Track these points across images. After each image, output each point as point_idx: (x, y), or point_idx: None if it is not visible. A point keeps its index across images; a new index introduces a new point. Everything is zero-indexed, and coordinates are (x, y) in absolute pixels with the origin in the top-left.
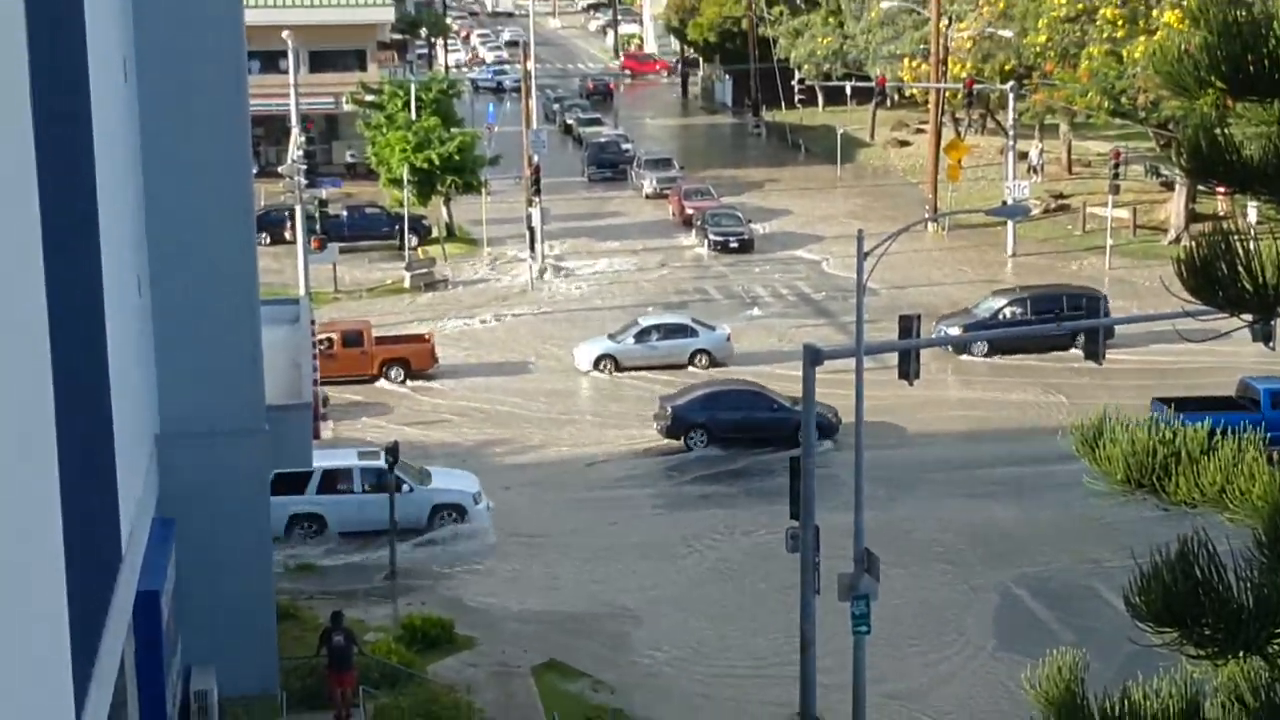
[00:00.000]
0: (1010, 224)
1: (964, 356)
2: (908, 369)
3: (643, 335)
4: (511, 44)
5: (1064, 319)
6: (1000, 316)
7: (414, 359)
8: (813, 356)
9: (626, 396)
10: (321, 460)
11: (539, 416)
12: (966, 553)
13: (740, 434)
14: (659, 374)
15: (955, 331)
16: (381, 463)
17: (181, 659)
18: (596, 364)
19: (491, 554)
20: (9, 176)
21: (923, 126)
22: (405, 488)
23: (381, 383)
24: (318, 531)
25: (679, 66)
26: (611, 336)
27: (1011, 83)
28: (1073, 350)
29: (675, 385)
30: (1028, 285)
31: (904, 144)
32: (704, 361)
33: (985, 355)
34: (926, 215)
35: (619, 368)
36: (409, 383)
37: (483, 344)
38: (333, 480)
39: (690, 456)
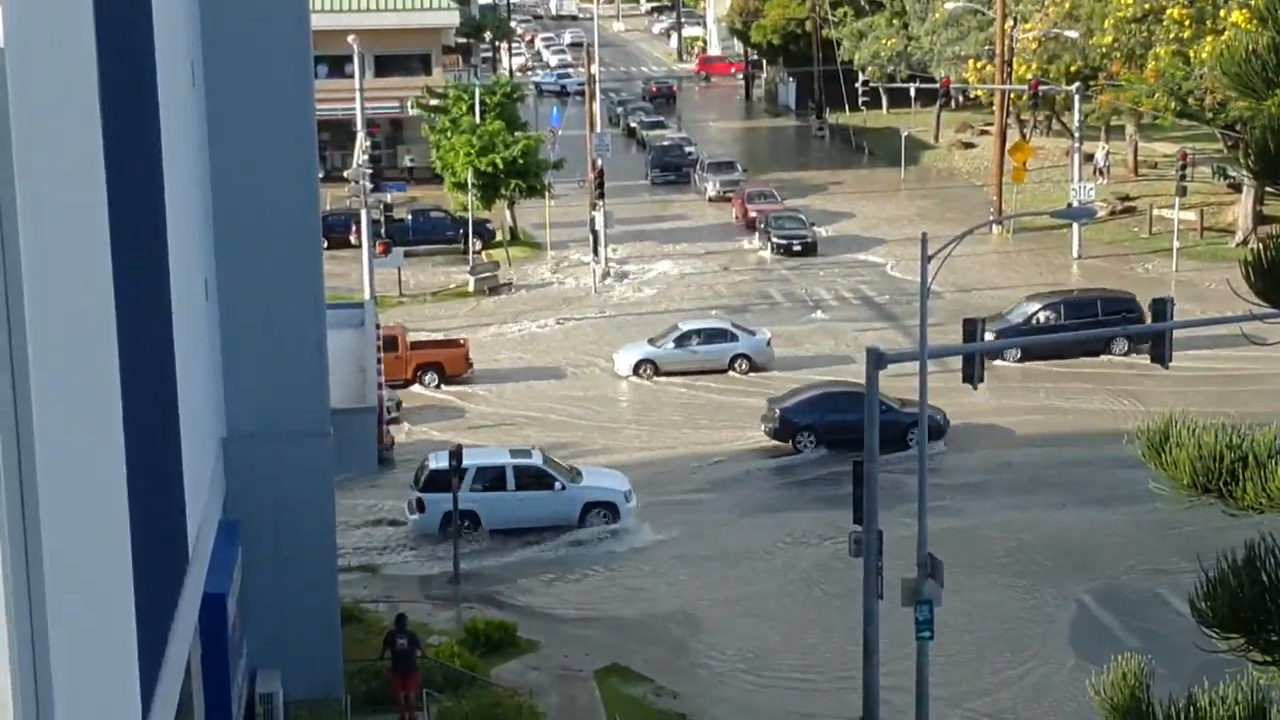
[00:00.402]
0: (1076, 227)
1: (996, 362)
2: (972, 372)
3: (683, 340)
4: (575, 45)
5: (1097, 324)
6: (1033, 321)
7: (448, 364)
8: (876, 360)
9: (672, 403)
10: (474, 458)
11: (592, 423)
12: (1035, 559)
13: (849, 436)
14: (699, 380)
15: (989, 337)
16: (536, 460)
17: (247, 661)
18: (636, 369)
19: (643, 555)
20: (79, 179)
21: (987, 128)
22: (557, 485)
23: (416, 388)
24: (471, 528)
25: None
26: (652, 341)
27: (1077, 84)
28: (1120, 356)
29: (720, 390)
30: (1060, 289)
31: (968, 146)
32: (744, 367)
33: (1018, 360)
34: (991, 218)
35: (659, 372)
36: (443, 388)
37: (543, 348)
38: (486, 477)
39: (798, 458)
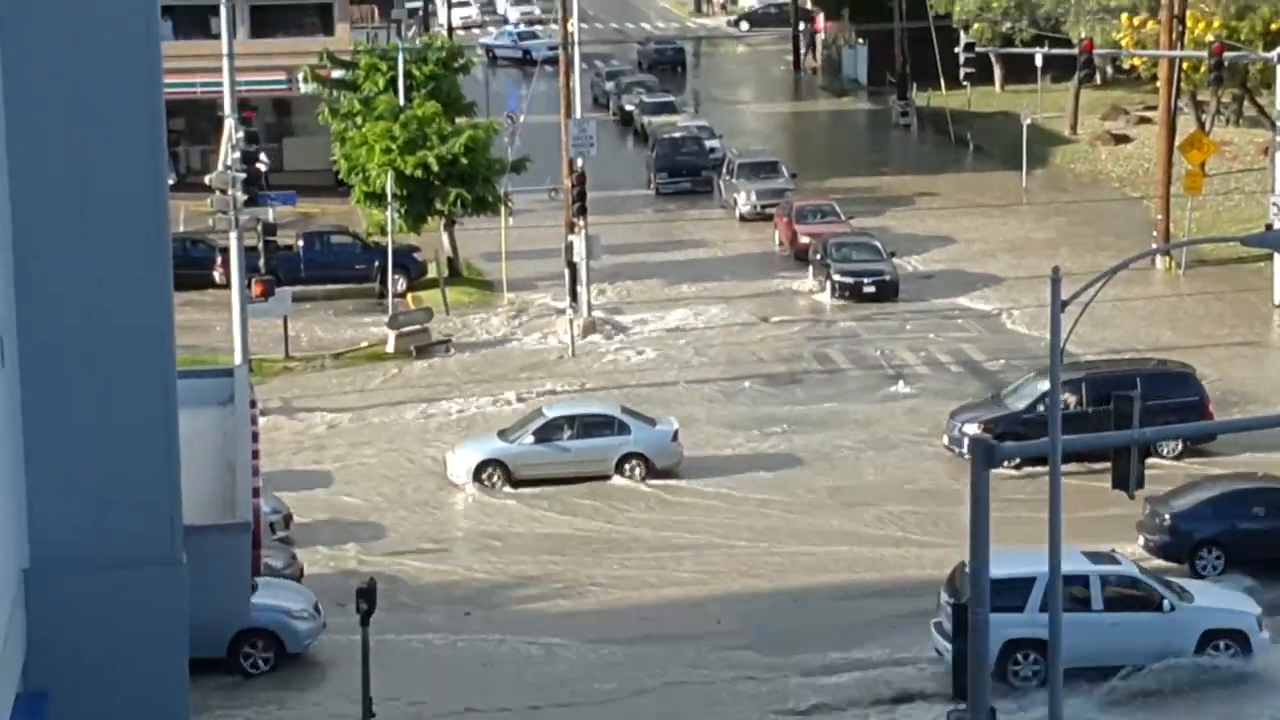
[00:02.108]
0: (1278, 259)
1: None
2: (1125, 473)
3: (548, 431)
4: None
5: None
6: (1041, 409)
7: None
8: (986, 455)
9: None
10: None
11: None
12: None
13: (1275, 553)
14: (577, 496)
15: (973, 430)
16: (1129, 570)
17: None
18: (478, 475)
19: None
20: None
21: (1148, 114)
22: (1165, 605)
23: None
24: (1036, 662)
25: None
26: (503, 434)
27: None
28: (1169, 459)
29: (623, 517)
30: (1085, 362)
31: (1121, 140)
32: (639, 470)
33: (1016, 466)
34: (1155, 245)
35: (511, 480)
36: None
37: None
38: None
39: None
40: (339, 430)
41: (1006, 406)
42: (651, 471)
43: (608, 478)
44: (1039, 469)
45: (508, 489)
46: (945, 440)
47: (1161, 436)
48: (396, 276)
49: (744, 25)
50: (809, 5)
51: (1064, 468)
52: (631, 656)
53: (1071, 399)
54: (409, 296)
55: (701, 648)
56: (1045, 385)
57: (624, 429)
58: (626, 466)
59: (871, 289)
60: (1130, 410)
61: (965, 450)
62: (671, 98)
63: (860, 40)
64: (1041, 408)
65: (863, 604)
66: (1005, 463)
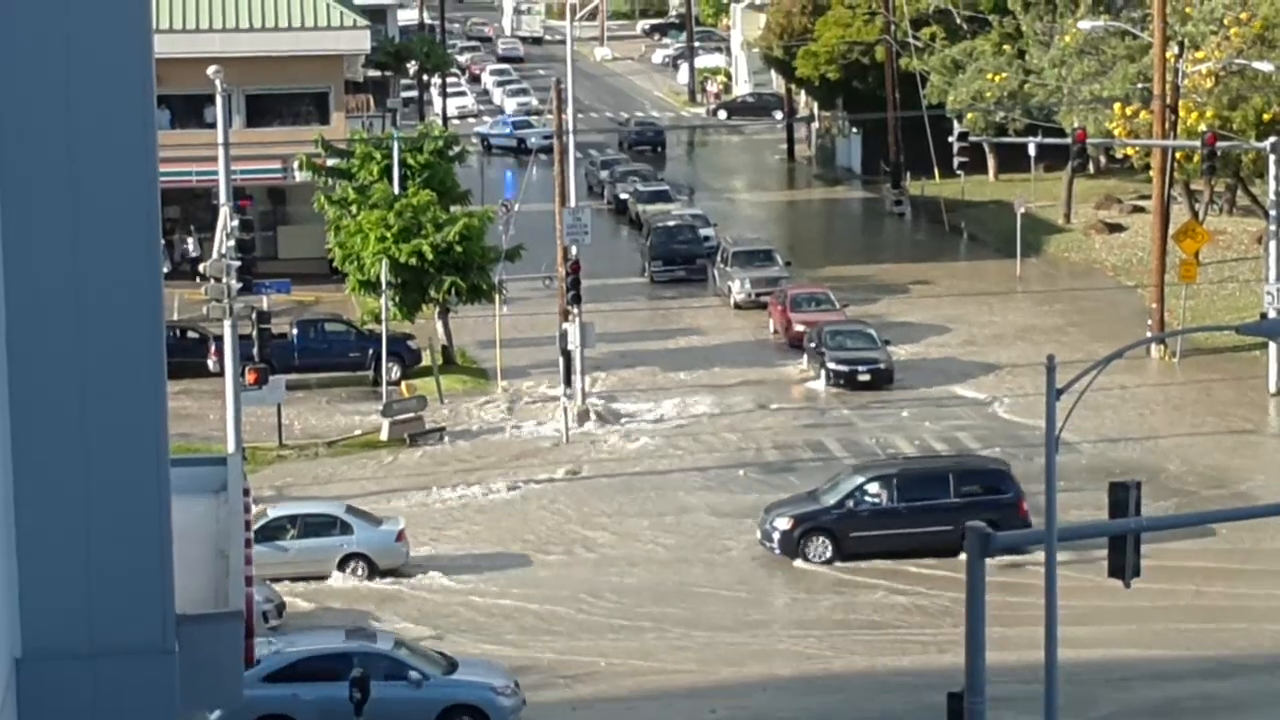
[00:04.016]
0: (1274, 347)
1: (796, 562)
2: (1122, 562)
3: (272, 532)
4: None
5: (945, 508)
6: (851, 504)
7: None
8: (981, 544)
9: None
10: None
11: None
12: None
13: None
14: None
15: (785, 525)
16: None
17: None
18: None
19: None
20: None
21: (1142, 203)
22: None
23: (335, 578)
24: None
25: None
26: None
27: (1273, 139)
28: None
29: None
30: (903, 457)
31: (1115, 229)
32: (361, 570)
33: (826, 561)
34: (1149, 334)
35: None
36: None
37: (488, 527)
38: None
39: None
40: None
41: (820, 502)
42: (374, 570)
43: (325, 577)
44: (857, 561)
45: None
46: (759, 535)
47: (1156, 526)
48: (391, 364)
49: (722, 114)
50: (801, 94)
51: (858, 565)
52: None
53: (884, 495)
54: (403, 385)
55: None
56: (858, 481)
57: (346, 529)
58: (350, 566)
59: (866, 377)
60: (1127, 498)
61: (776, 545)
62: (666, 186)
63: (854, 129)
64: (851, 503)
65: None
66: (813, 556)
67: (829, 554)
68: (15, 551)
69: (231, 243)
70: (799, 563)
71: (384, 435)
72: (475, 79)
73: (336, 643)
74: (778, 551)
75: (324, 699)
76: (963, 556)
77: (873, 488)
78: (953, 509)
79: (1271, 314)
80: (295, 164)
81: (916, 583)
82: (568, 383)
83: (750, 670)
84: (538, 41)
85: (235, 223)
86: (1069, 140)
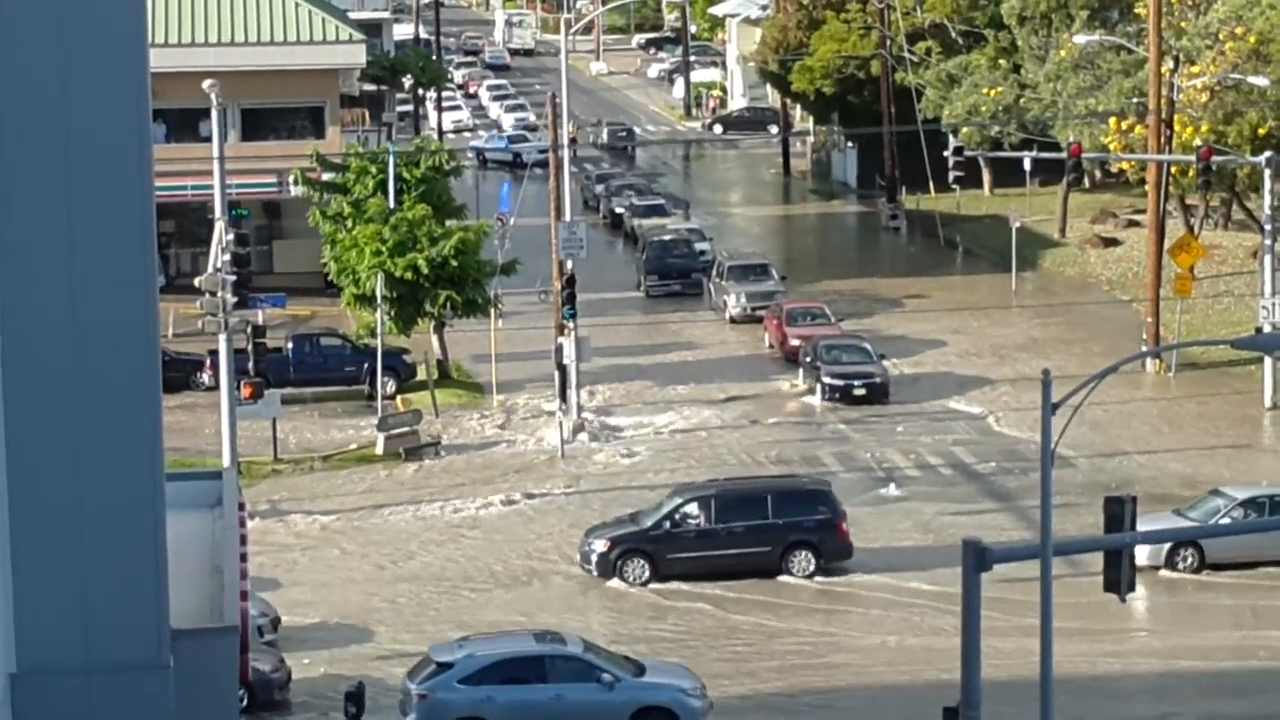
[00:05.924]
0: (1269, 362)
1: (612, 582)
2: (1117, 577)
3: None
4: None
5: (762, 529)
6: (669, 525)
7: None
8: (976, 558)
9: None
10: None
11: None
12: None
13: None
14: None
15: (601, 547)
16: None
17: None
18: None
19: None
20: None
21: (1137, 218)
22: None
23: None
24: None
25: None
26: None
27: (1269, 154)
28: (799, 579)
29: None
30: (723, 478)
31: (1110, 243)
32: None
33: (643, 583)
34: (1144, 348)
35: None
36: None
37: (474, 543)
38: None
39: None
40: (329, 531)
41: (638, 524)
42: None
43: None
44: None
45: None
46: (578, 558)
47: (1149, 540)
48: (386, 379)
49: (718, 129)
50: (797, 109)
51: (681, 587)
52: None
53: (702, 516)
54: (398, 399)
55: None
56: (677, 503)
57: None
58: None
59: (862, 391)
60: (1123, 512)
61: (594, 568)
62: (662, 200)
63: (849, 143)
64: (669, 524)
65: None
66: (630, 577)
67: (646, 575)
68: (10, 567)
69: (227, 257)
70: (615, 583)
71: (379, 449)
72: (472, 95)
73: (528, 646)
74: (595, 574)
75: (516, 702)
76: (781, 579)
77: (691, 509)
78: (771, 530)
79: (1266, 328)
80: (291, 178)
81: (729, 606)
82: (563, 397)
83: None
84: (529, 53)
85: (230, 237)
86: (1064, 155)
